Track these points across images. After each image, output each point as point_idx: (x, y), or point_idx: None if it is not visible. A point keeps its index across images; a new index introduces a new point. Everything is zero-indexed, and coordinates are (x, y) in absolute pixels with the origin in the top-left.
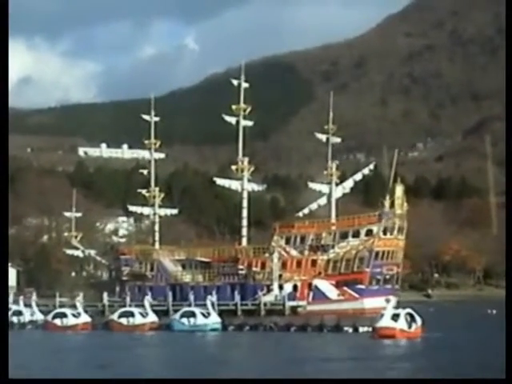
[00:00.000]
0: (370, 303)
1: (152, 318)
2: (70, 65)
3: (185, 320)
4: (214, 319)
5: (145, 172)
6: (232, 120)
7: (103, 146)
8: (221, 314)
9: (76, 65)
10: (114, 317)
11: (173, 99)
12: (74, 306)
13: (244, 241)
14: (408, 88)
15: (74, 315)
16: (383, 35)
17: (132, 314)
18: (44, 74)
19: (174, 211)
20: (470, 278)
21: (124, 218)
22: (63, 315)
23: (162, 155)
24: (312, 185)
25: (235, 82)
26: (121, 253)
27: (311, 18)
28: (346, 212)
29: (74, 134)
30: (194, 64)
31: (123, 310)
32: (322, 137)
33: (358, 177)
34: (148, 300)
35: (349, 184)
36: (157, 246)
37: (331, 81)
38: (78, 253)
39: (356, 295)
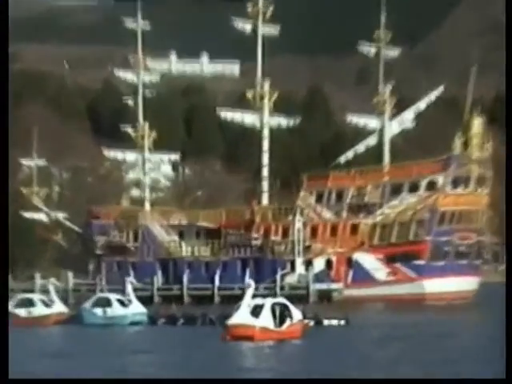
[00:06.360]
0: (432, 286)
1: (59, 307)
2: None
3: (98, 310)
4: (136, 309)
5: (129, 101)
6: (247, 27)
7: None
8: (223, 299)
9: None
10: (9, 306)
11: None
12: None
13: (265, 197)
14: None
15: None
16: None
17: (32, 303)
18: None
19: (175, 156)
20: None
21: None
22: None
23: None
24: (353, 118)
25: None
26: (94, 216)
27: None
28: None
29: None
30: None
31: (21, 297)
32: (369, 49)
33: (422, 105)
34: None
35: (409, 116)
36: (147, 206)
37: None
38: (41, 216)
39: (413, 275)
